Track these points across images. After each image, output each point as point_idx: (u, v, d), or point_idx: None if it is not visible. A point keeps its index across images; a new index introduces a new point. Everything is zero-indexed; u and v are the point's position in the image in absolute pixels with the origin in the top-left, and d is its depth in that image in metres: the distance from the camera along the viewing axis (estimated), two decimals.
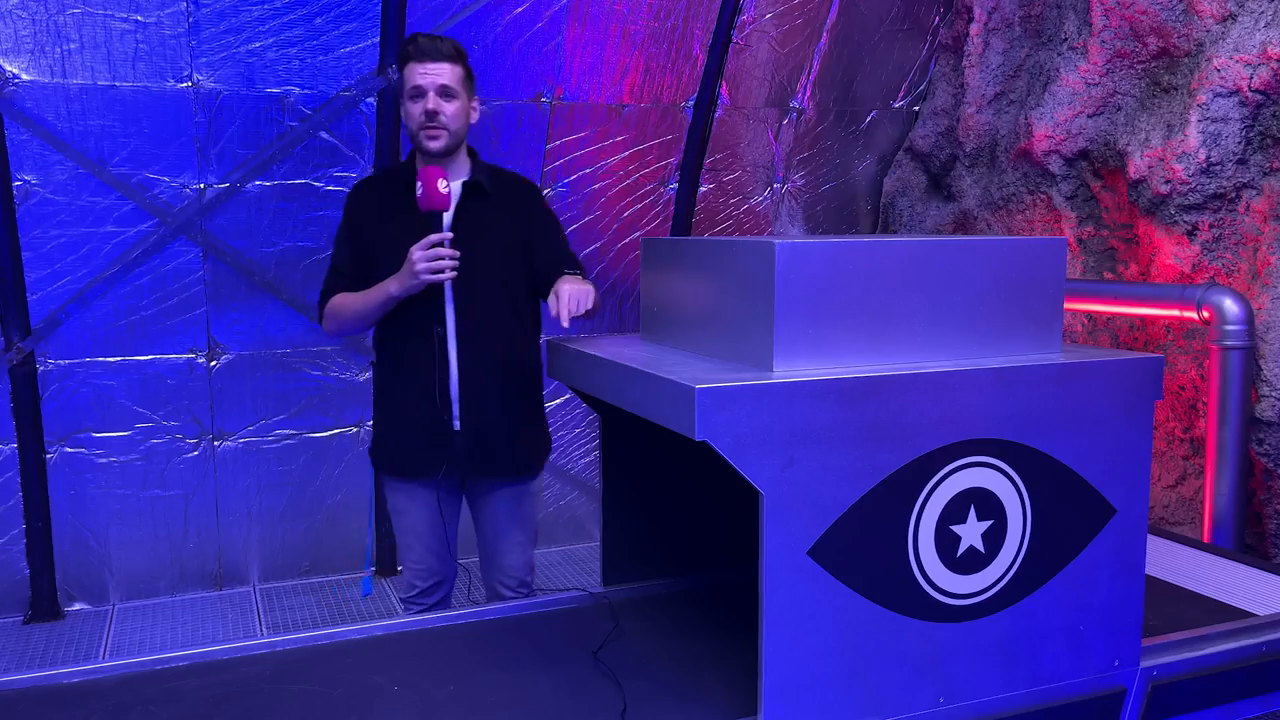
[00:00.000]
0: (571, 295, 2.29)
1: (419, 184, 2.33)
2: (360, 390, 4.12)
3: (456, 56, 2.45)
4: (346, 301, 2.50)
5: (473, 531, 2.69)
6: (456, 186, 2.47)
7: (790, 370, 1.73)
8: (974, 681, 1.87)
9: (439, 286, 2.41)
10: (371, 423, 2.68)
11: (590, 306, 2.31)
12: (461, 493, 2.64)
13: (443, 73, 2.42)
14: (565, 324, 2.28)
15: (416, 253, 2.32)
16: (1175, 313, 3.31)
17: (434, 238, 2.33)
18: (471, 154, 2.57)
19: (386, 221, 2.50)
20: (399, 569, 4.31)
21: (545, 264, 2.52)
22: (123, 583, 3.96)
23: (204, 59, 3.56)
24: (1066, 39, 3.91)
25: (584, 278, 2.58)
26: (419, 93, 2.42)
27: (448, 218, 2.43)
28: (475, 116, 2.54)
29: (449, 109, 2.43)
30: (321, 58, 3.68)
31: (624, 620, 2.26)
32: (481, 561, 2.69)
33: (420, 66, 2.42)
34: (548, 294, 2.40)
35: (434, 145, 2.43)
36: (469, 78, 2.50)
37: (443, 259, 2.33)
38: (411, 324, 2.46)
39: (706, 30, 4.16)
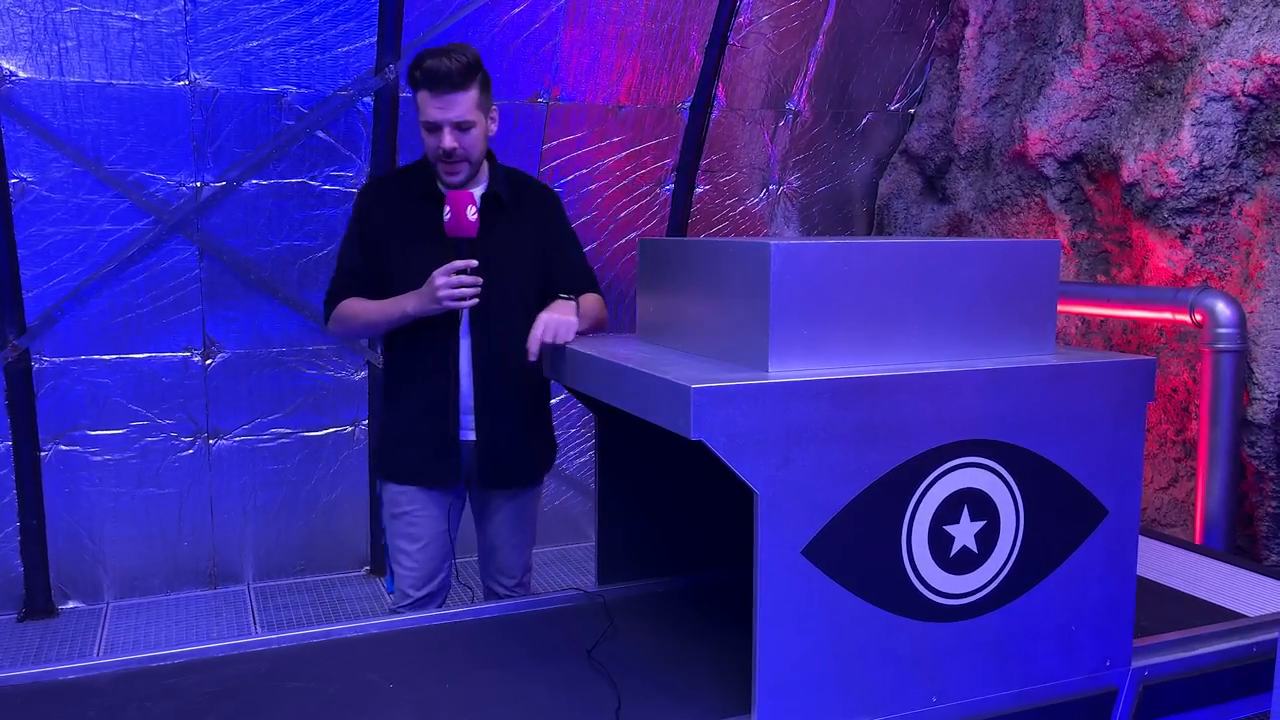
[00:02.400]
0: (549, 325, 2.25)
1: (447, 209, 2.27)
2: (356, 389, 4.12)
3: (468, 78, 2.29)
4: (357, 310, 2.44)
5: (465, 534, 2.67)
6: (475, 196, 2.37)
7: (785, 370, 1.74)
8: (967, 681, 1.88)
9: None
10: (373, 424, 2.68)
11: (569, 339, 2.26)
12: (465, 499, 2.61)
13: (457, 105, 2.28)
14: (532, 356, 2.24)
15: (440, 279, 2.26)
16: (1168, 315, 3.32)
17: (458, 264, 2.26)
18: (489, 158, 2.48)
19: (401, 228, 2.43)
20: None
21: (564, 281, 2.50)
22: (117, 581, 3.96)
23: (201, 57, 3.56)
24: (1061, 43, 3.93)
25: (598, 294, 2.58)
26: (434, 128, 2.31)
27: None
28: (494, 128, 2.43)
29: (467, 141, 2.33)
30: (318, 57, 3.69)
31: (619, 619, 2.27)
32: (481, 561, 2.67)
33: (434, 99, 2.28)
34: None
35: (455, 179, 2.37)
36: (485, 91, 2.36)
37: (466, 285, 2.27)
38: (423, 335, 2.42)
39: (703, 32, 4.17)
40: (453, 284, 2.26)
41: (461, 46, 2.31)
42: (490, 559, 2.65)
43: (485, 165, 2.47)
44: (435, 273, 2.27)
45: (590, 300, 2.50)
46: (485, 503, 2.60)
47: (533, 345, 2.24)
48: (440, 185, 2.42)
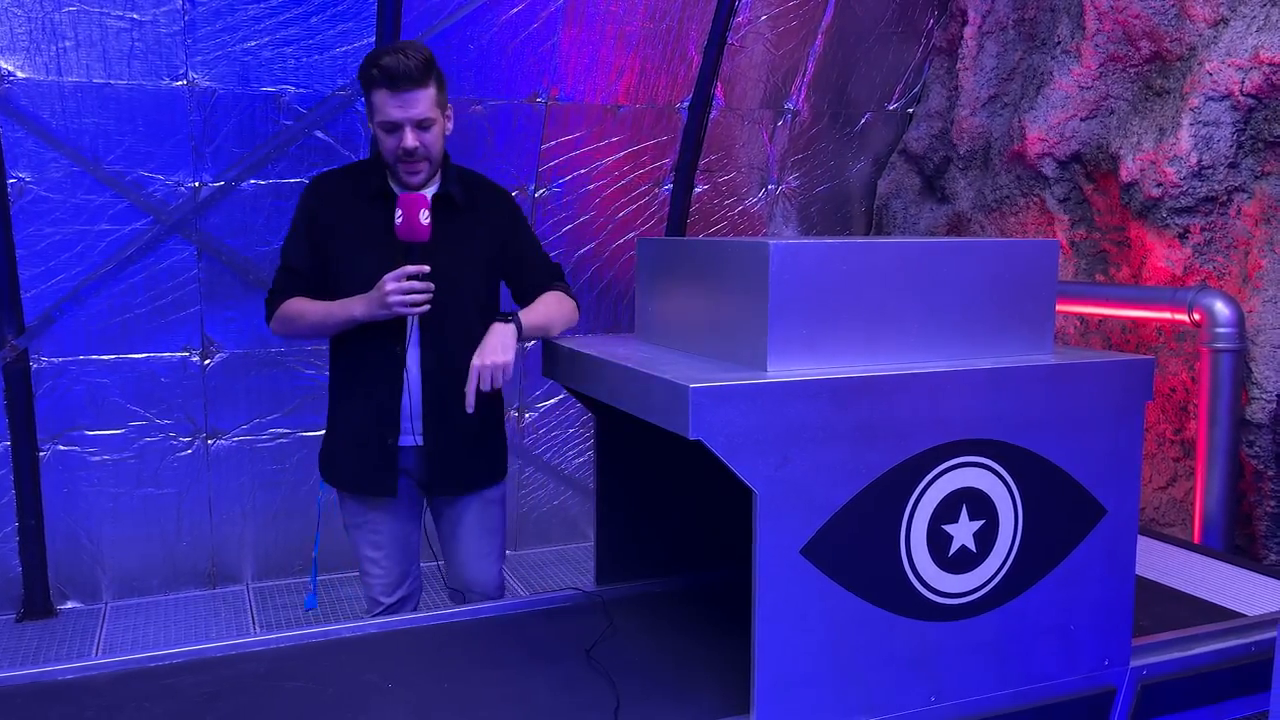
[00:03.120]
0: (483, 373, 2.20)
1: (399, 212, 2.20)
2: None
3: (427, 75, 2.23)
4: (302, 310, 2.36)
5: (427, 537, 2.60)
6: (428, 198, 2.29)
7: (784, 370, 1.74)
8: (965, 680, 1.88)
9: None
10: (324, 432, 2.54)
11: (508, 377, 2.22)
12: (423, 502, 2.55)
13: (418, 103, 2.22)
14: (469, 407, 2.21)
15: (390, 284, 2.19)
16: (1167, 315, 3.33)
17: (410, 269, 2.19)
18: (444, 157, 2.41)
19: (350, 229, 2.36)
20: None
21: (531, 280, 2.47)
22: (115, 581, 3.96)
23: (199, 57, 3.56)
24: (1060, 42, 3.93)
25: (565, 287, 2.52)
26: (393, 127, 2.24)
27: None
28: (450, 127, 2.37)
29: (428, 139, 2.27)
30: (317, 57, 3.69)
31: (618, 619, 2.27)
32: (448, 574, 2.60)
33: (393, 98, 2.21)
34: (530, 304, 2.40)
35: (416, 180, 2.31)
36: (442, 90, 2.30)
37: (418, 291, 2.21)
38: (369, 341, 2.35)
39: (702, 31, 4.17)
40: (404, 289, 2.19)
41: (415, 44, 2.26)
42: (459, 574, 2.56)
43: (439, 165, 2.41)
44: (385, 277, 2.20)
45: (550, 301, 2.43)
46: (442, 511, 2.54)
47: (469, 398, 2.21)
48: (393, 185, 2.37)
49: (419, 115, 2.24)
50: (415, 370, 2.37)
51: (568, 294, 2.52)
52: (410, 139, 2.25)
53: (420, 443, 2.41)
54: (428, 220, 2.21)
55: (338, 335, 2.39)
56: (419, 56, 2.22)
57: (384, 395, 2.38)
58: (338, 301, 2.32)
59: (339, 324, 2.32)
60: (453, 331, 2.35)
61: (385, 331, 2.33)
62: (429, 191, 2.35)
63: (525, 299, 2.46)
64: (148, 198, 3.65)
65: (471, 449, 2.48)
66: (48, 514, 3.80)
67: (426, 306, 2.24)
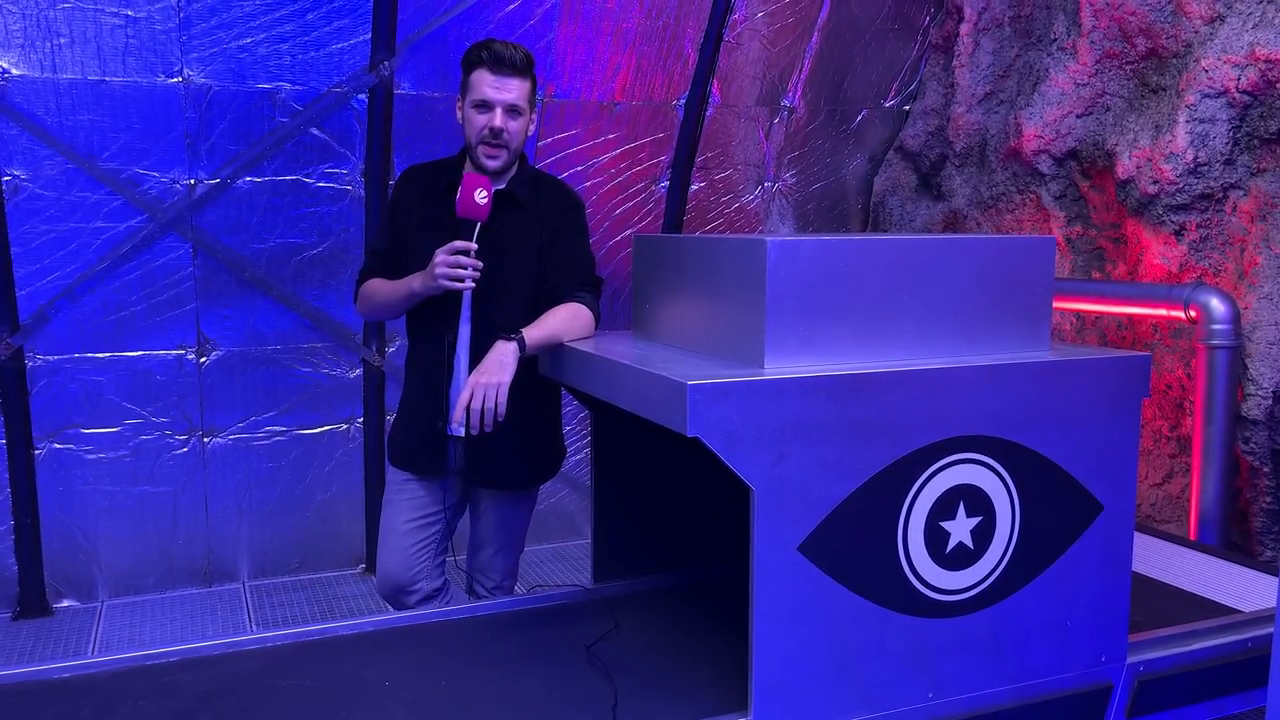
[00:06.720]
0: (476, 391, 2.18)
1: (460, 189, 2.30)
2: (351, 387, 4.11)
3: (527, 70, 2.40)
4: (377, 288, 2.50)
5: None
6: (489, 181, 2.40)
7: (781, 367, 1.74)
8: (962, 677, 1.89)
9: (459, 293, 2.37)
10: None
11: (502, 399, 2.18)
12: (465, 497, 2.60)
13: (513, 89, 2.36)
14: (455, 425, 2.31)
15: (439, 256, 2.28)
16: (1163, 312, 3.33)
17: (458, 245, 2.28)
18: (520, 159, 2.51)
19: (423, 214, 2.48)
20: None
21: (554, 282, 2.43)
22: (111, 579, 3.95)
23: (194, 54, 3.55)
24: (1056, 39, 3.93)
25: (588, 299, 2.45)
26: (485, 106, 2.37)
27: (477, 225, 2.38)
28: (533, 129, 2.50)
29: (514, 127, 2.39)
30: (313, 54, 3.68)
31: (616, 616, 2.27)
32: (469, 553, 2.68)
33: (493, 79, 2.35)
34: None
35: (493, 165, 2.39)
36: (533, 91, 2.45)
37: (463, 267, 2.27)
38: (427, 326, 2.47)
39: (698, 28, 4.17)
40: (450, 263, 2.27)
41: (520, 44, 2.43)
42: (476, 554, 2.65)
43: (515, 165, 2.49)
44: (437, 251, 2.29)
45: (561, 314, 2.36)
46: (477, 499, 2.61)
47: (457, 415, 2.22)
48: (469, 168, 2.45)
49: (512, 100, 2.37)
50: (465, 358, 2.45)
51: (589, 306, 2.45)
52: (499, 119, 2.36)
53: (460, 433, 2.47)
54: (484, 199, 2.29)
55: (409, 318, 2.53)
56: (523, 51, 2.40)
57: (435, 381, 2.47)
58: (403, 279, 2.43)
59: (403, 299, 2.43)
60: (501, 322, 2.39)
61: (438, 319, 2.44)
62: (499, 187, 2.44)
63: (544, 302, 2.44)
64: (143, 195, 3.64)
65: (513, 446, 2.48)
66: (43, 512, 3.79)
67: (471, 284, 2.30)
